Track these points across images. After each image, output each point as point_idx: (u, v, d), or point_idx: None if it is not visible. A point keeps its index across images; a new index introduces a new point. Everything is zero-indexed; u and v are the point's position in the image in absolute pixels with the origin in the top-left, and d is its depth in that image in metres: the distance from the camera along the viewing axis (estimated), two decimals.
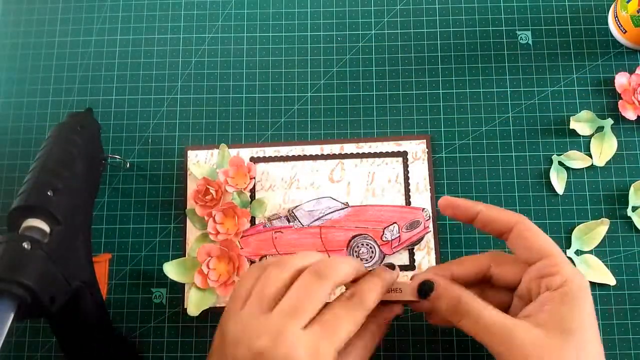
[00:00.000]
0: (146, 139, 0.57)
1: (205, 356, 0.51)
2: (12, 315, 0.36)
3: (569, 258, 0.52)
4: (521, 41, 0.57)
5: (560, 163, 0.54)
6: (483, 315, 0.34)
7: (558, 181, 0.53)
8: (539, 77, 0.56)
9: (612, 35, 0.57)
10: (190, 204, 0.54)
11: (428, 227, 0.53)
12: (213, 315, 0.52)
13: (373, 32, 0.58)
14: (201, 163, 0.56)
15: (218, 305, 0.52)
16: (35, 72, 0.59)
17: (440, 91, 0.56)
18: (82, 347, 0.45)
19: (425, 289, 0.38)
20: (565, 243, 0.52)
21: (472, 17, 0.58)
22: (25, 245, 0.39)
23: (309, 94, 0.57)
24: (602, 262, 0.52)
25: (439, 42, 0.58)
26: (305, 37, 0.59)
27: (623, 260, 0.52)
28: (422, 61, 0.57)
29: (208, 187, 0.53)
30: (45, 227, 0.42)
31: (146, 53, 0.59)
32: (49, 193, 0.43)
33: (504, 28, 0.58)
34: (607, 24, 0.57)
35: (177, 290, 0.53)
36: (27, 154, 0.57)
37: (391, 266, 0.41)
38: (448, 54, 0.57)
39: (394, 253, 0.52)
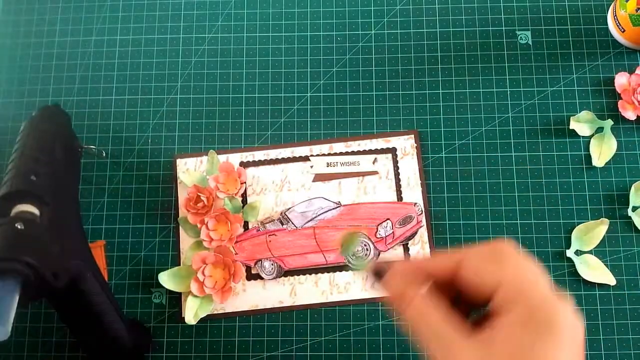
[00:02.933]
0: (146, 139, 0.57)
1: (205, 356, 0.51)
2: (17, 294, 0.37)
3: (569, 258, 0.52)
4: (521, 41, 0.58)
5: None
6: (425, 318, 0.29)
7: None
8: (538, 77, 0.56)
9: (611, 35, 0.57)
10: (183, 212, 0.54)
11: (421, 221, 0.53)
12: (213, 317, 0.52)
13: (373, 32, 0.58)
14: (190, 171, 0.55)
15: (215, 312, 0.52)
16: (35, 72, 0.59)
17: (440, 91, 0.56)
18: (93, 330, 0.45)
19: (378, 272, 0.33)
20: (565, 243, 0.52)
21: (472, 17, 0.58)
22: (19, 225, 0.39)
23: (308, 94, 0.57)
24: (602, 262, 0.52)
25: (438, 42, 0.58)
26: (305, 37, 0.59)
27: (623, 260, 0.52)
28: (421, 61, 0.57)
29: (199, 194, 0.53)
30: (35, 210, 0.43)
31: (146, 53, 0.59)
32: (32, 177, 0.43)
33: (503, 28, 0.58)
34: (606, 23, 0.58)
35: (178, 291, 0.53)
36: None
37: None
38: (448, 54, 0.57)
39: (388, 249, 0.52)
